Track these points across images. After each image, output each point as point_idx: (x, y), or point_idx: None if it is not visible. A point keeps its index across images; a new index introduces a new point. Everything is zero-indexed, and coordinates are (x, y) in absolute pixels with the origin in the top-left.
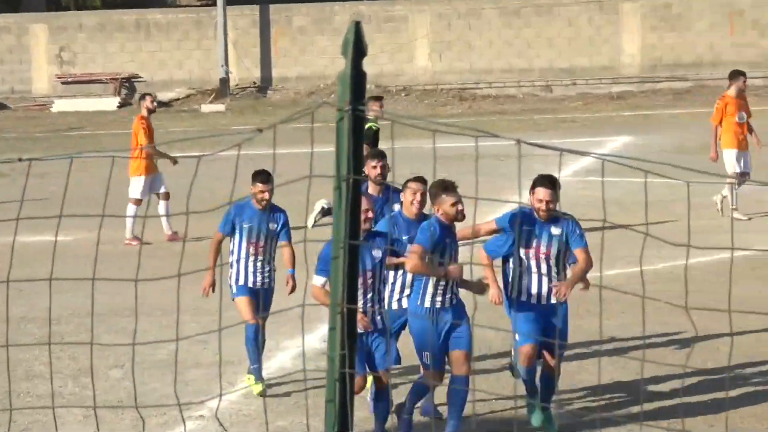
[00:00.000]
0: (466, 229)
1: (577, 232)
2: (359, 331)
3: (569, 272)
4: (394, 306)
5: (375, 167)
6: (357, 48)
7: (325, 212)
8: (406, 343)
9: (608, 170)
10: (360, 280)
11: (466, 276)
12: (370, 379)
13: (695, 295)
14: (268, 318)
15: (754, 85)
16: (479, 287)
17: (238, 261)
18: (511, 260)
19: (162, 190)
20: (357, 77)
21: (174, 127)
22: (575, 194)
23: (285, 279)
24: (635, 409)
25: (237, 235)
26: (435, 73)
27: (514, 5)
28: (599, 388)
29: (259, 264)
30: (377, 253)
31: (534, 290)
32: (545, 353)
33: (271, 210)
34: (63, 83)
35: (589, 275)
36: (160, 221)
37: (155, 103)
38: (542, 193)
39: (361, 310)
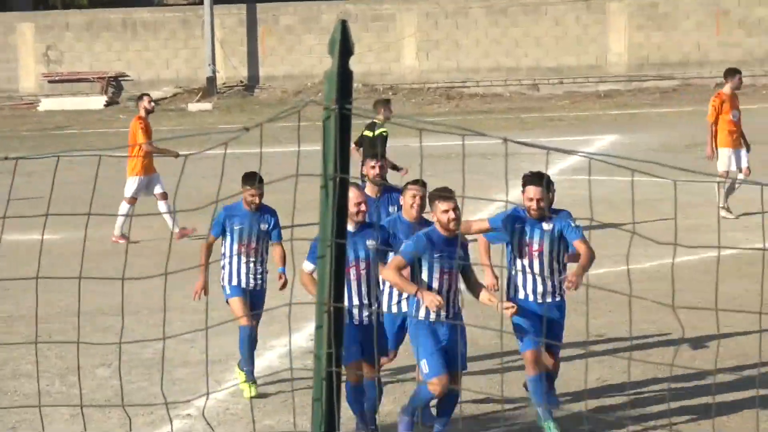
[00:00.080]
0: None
1: (571, 224)
2: (356, 322)
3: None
4: (394, 309)
5: (374, 167)
6: (343, 47)
7: None
8: (406, 345)
9: (595, 169)
10: (353, 271)
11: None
12: None
13: (683, 293)
14: (260, 319)
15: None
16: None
17: (230, 263)
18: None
19: (159, 190)
20: (343, 76)
21: (161, 125)
22: (562, 193)
23: (276, 276)
24: (622, 407)
25: (228, 237)
26: (422, 71)
27: (501, 4)
28: (586, 386)
29: (251, 265)
30: (371, 244)
31: (529, 288)
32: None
33: (262, 211)
34: (50, 82)
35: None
36: (149, 220)
37: (153, 104)
38: (532, 191)
39: (356, 303)
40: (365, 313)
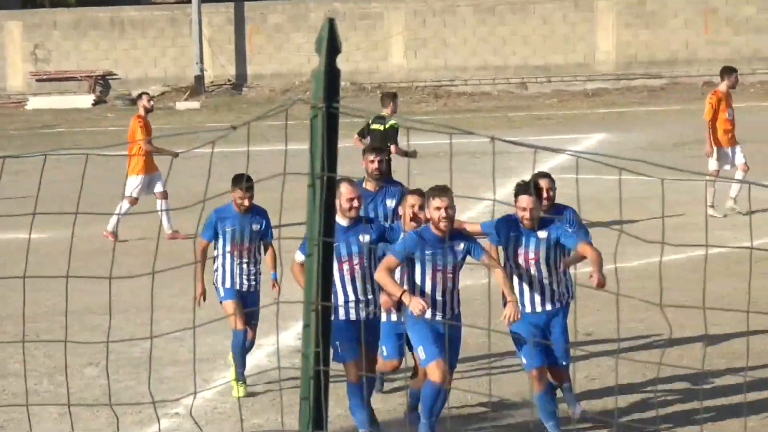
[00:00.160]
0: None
1: (568, 230)
2: (352, 318)
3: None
4: (393, 317)
5: (372, 161)
6: (331, 45)
7: None
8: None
9: (583, 167)
10: (346, 266)
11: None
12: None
13: (670, 292)
14: (257, 325)
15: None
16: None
17: (223, 264)
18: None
19: (159, 189)
20: (331, 74)
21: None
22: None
23: (270, 283)
24: (610, 405)
25: (220, 240)
26: (410, 70)
27: (488, 3)
28: (574, 384)
29: (244, 266)
30: (365, 239)
31: (527, 298)
32: (551, 369)
33: (253, 212)
34: (37, 81)
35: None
36: (137, 219)
37: (152, 102)
38: (525, 200)
39: (351, 299)
40: (360, 310)
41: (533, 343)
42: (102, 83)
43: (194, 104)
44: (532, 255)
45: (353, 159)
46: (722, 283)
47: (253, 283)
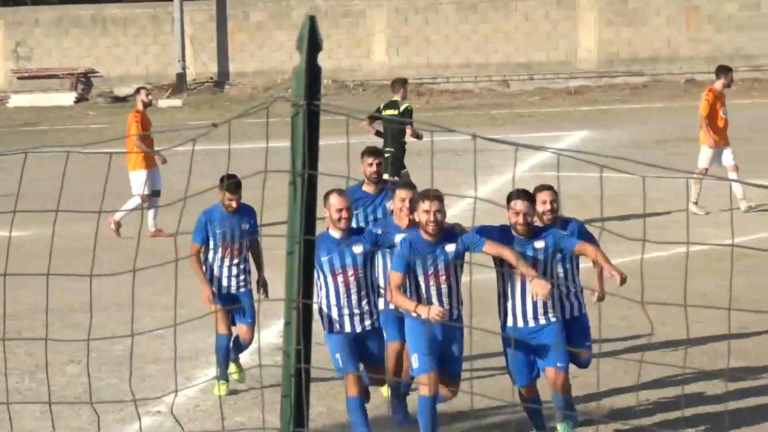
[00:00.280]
0: None
1: (564, 233)
2: (347, 330)
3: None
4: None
5: (371, 164)
6: (312, 43)
7: None
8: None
9: (566, 165)
10: (341, 278)
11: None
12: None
13: (652, 289)
14: (254, 323)
15: (712, 80)
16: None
17: (212, 267)
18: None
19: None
20: (312, 72)
21: None
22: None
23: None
24: (591, 404)
25: (210, 241)
26: (392, 68)
27: (471, 0)
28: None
29: (234, 268)
30: (358, 249)
31: (519, 312)
32: (548, 372)
33: (241, 211)
34: (19, 78)
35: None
36: (123, 216)
37: (150, 97)
38: (519, 205)
39: (346, 312)
40: (358, 322)
41: (523, 362)
42: (84, 81)
43: (176, 102)
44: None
45: (335, 157)
46: (704, 280)
47: (243, 282)
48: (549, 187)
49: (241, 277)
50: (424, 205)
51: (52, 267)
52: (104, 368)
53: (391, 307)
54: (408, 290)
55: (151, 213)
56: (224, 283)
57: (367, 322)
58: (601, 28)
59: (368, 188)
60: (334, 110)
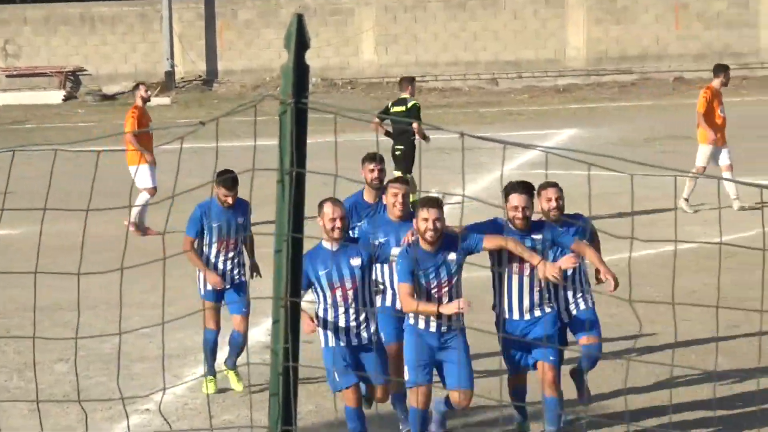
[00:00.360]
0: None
1: (561, 230)
2: (342, 344)
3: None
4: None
5: (372, 170)
6: (299, 41)
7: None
8: None
9: (553, 163)
10: (339, 292)
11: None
12: None
13: (640, 287)
14: (248, 313)
15: (701, 78)
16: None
17: (207, 261)
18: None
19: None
20: (300, 70)
21: (119, 120)
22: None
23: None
24: (578, 402)
25: (206, 235)
26: (381, 66)
27: None
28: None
29: (229, 262)
30: (356, 262)
31: (515, 305)
32: (539, 367)
33: (236, 205)
34: (7, 77)
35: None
36: (111, 215)
37: (149, 92)
38: (517, 199)
39: (342, 326)
40: (356, 335)
41: (516, 353)
42: (72, 79)
43: (165, 100)
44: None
45: (322, 155)
46: (692, 278)
47: (238, 275)
48: (554, 184)
49: (236, 270)
50: (423, 213)
51: (41, 265)
52: (92, 366)
53: (388, 304)
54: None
55: (135, 208)
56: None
57: (364, 335)
58: (589, 26)
59: (369, 194)
60: (323, 108)
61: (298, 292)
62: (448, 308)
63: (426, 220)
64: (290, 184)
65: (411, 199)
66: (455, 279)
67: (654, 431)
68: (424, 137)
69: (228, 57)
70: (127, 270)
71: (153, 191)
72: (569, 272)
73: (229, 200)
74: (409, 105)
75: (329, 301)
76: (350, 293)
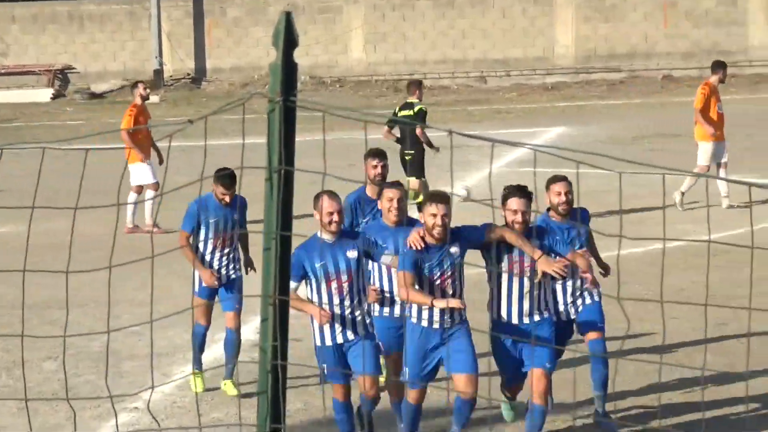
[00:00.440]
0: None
1: (559, 240)
2: (339, 341)
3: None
4: (386, 312)
5: (375, 167)
6: (288, 39)
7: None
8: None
9: (543, 161)
10: (335, 285)
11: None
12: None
13: (629, 285)
14: (241, 310)
15: (689, 76)
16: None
17: (203, 257)
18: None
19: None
20: (288, 68)
21: (108, 118)
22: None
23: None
24: (568, 399)
25: (203, 231)
26: (369, 64)
27: None
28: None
29: (224, 258)
30: (352, 254)
31: (515, 310)
32: (534, 373)
33: (233, 200)
34: None
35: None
36: (100, 213)
37: (148, 90)
38: (515, 203)
39: (340, 318)
40: (351, 328)
41: (510, 359)
42: (61, 77)
43: (153, 98)
44: (527, 262)
45: (311, 153)
46: (680, 276)
47: (233, 270)
48: (563, 178)
49: (231, 266)
50: (432, 208)
51: (29, 264)
52: (81, 365)
53: (386, 314)
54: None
55: (130, 209)
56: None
57: (360, 328)
58: (578, 24)
59: (371, 190)
60: (311, 106)
61: (287, 290)
62: (441, 303)
63: (434, 215)
64: (279, 182)
65: (418, 200)
66: (458, 271)
67: (644, 430)
68: (430, 144)
69: (216, 55)
70: (116, 268)
71: (155, 187)
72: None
73: (227, 198)
74: (416, 109)
75: (323, 293)
76: (345, 285)
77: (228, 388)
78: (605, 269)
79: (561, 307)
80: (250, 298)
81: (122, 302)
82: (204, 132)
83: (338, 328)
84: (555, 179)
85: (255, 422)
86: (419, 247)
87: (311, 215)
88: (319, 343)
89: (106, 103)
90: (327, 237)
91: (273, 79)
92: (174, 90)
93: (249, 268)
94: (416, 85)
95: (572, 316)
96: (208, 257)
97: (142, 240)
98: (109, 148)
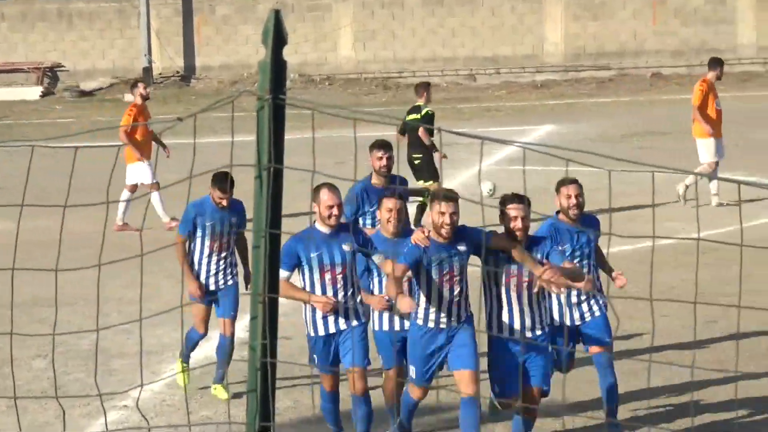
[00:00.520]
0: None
1: (558, 248)
2: (332, 331)
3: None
4: (386, 326)
5: (381, 158)
6: (277, 37)
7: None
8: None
9: (531, 158)
10: (329, 276)
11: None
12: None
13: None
14: (236, 317)
15: (678, 74)
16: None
17: (199, 263)
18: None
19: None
20: (277, 66)
21: (97, 116)
22: (498, 184)
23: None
24: (558, 397)
25: (199, 235)
26: (359, 62)
27: None
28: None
29: (221, 262)
30: (348, 247)
31: (516, 325)
32: (531, 391)
33: (231, 204)
34: None
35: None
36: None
37: (148, 89)
38: (514, 209)
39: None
40: (344, 320)
41: (509, 375)
42: (50, 75)
43: None
44: (525, 276)
45: (299, 151)
46: (670, 274)
47: (230, 276)
48: (574, 181)
49: (228, 270)
50: (440, 207)
51: (19, 262)
52: (71, 363)
53: (386, 328)
54: (420, 291)
55: (121, 207)
56: (211, 278)
57: (354, 320)
58: (567, 22)
59: (376, 182)
60: (300, 104)
61: (277, 288)
62: (402, 303)
63: (443, 213)
64: (268, 180)
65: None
66: (464, 271)
67: (634, 428)
68: (433, 148)
69: (205, 53)
70: (105, 266)
71: (156, 186)
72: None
73: (224, 202)
74: (422, 113)
75: (317, 284)
76: (339, 277)
77: (219, 392)
78: (611, 274)
79: (566, 314)
80: (240, 297)
81: (111, 300)
82: (193, 130)
83: (331, 318)
84: (565, 182)
85: (244, 420)
86: (422, 246)
87: (303, 213)
88: (312, 333)
89: (96, 101)
90: (324, 229)
91: (262, 76)
92: (163, 88)
93: (248, 285)
94: (424, 87)
95: (576, 322)
96: (205, 261)
97: (132, 238)
98: (98, 146)
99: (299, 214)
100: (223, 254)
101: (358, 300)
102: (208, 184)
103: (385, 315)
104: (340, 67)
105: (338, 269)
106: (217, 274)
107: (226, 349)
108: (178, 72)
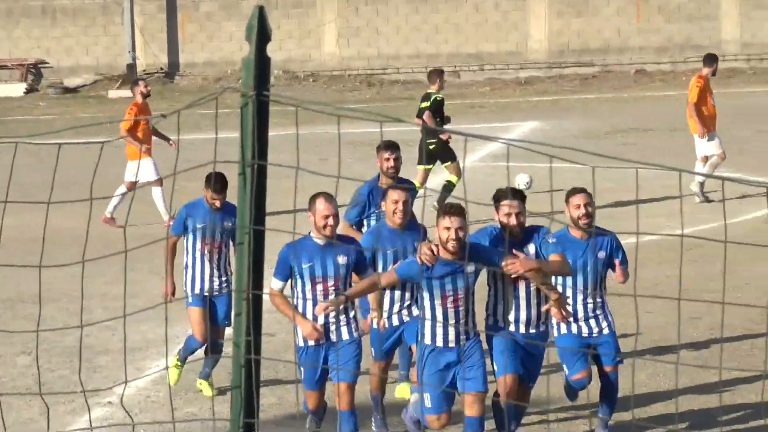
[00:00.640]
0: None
1: (550, 240)
2: (311, 343)
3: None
4: (395, 321)
5: (388, 159)
6: (261, 33)
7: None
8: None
9: (515, 155)
10: (320, 287)
11: None
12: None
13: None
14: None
15: (662, 70)
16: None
17: (193, 265)
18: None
19: (131, 179)
20: (261, 62)
21: (81, 113)
22: (483, 180)
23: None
24: (542, 394)
25: (191, 237)
26: (343, 58)
27: None
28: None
29: (215, 266)
30: (342, 260)
31: (522, 317)
32: (519, 388)
33: (225, 208)
34: None
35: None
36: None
37: (149, 87)
38: (507, 205)
39: (322, 322)
40: (335, 333)
41: (512, 354)
42: (34, 72)
43: (126, 93)
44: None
45: (283, 148)
46: (655, 270)
47: (224, 283)
48: (583, 190)
49: (223, 278)
50: (445, 222)
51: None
52: (55, 359)
53: (380, 325)
54: (421, 308)
55: (114, 200)
56: (205, 283)
57: (345, 335)
58: (551, 19)
59: (383, 182)
60: (284, 101)
61: (261, 284)
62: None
63: (448, 229)
64: (252, 177)
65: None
66: (471, 291)
67: (617, 423)
68: (435, 131)
69: (189, 50)
70: (90, 263)
71: (159, 183)
72: (589, 279)
73: (217, 203)
74: (431, 99)
75: (308, 295)
76: (331, 289)
77: (204, 388)
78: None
79: (580, 321)
80: None
81: (95, 296)
82: (177, 126)
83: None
84: (574, 191)
85: (229, 417)
86: (430, 265)
87: (286, 211)
88: (301, 344)
89: (80, 98)
90: (319, 240)
91: (246, 73)
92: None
93: None
94: (437, 74)
95: (584, 333)
96: (198, 263)
97: (117, 234)
98: (82, 143)
99: (283, 212)
100: (215, 258)
101: (351, 315)
102: (194, 181)
103: (394, 308)
104: (324, 63)
105: (330, 281)
106: (211, 277)
107: (217, 350)
108: (162, 69)
